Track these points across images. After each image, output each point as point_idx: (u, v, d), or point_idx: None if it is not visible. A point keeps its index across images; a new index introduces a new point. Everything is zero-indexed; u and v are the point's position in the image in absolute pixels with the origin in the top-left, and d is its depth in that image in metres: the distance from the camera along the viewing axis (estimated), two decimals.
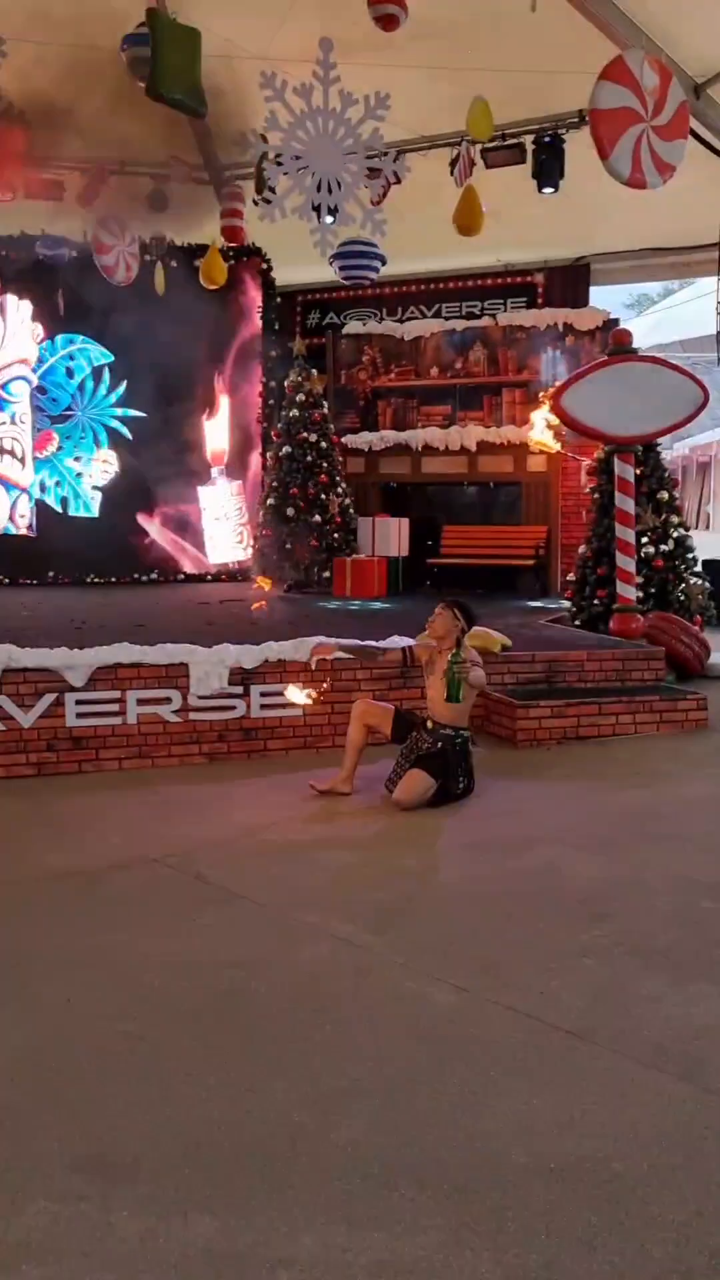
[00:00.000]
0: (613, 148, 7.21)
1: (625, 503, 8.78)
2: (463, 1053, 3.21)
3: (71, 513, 13.78)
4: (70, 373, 13.76)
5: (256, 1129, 2.83)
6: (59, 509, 13.75)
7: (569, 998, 3.57)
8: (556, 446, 11.36)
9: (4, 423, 13.50)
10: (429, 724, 6.01)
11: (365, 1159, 2.69)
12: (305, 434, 13.02)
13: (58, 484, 13.80)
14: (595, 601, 9.37)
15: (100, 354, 13.76)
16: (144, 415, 13.84)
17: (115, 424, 13.86)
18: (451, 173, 10.55)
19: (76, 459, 13.82)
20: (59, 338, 13.62)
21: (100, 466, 13.89)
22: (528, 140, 11.40)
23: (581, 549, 9.88)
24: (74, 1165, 2.69)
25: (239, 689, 7.05)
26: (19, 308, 13.17)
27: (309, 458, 12.98)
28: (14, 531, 13.54)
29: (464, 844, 5.29)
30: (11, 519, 13.53)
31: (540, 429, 11.08)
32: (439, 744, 5.91)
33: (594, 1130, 2.81)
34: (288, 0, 10.11)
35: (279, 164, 6.92)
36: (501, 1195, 2.55)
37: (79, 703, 6.75)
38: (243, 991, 3.65)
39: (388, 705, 6.26)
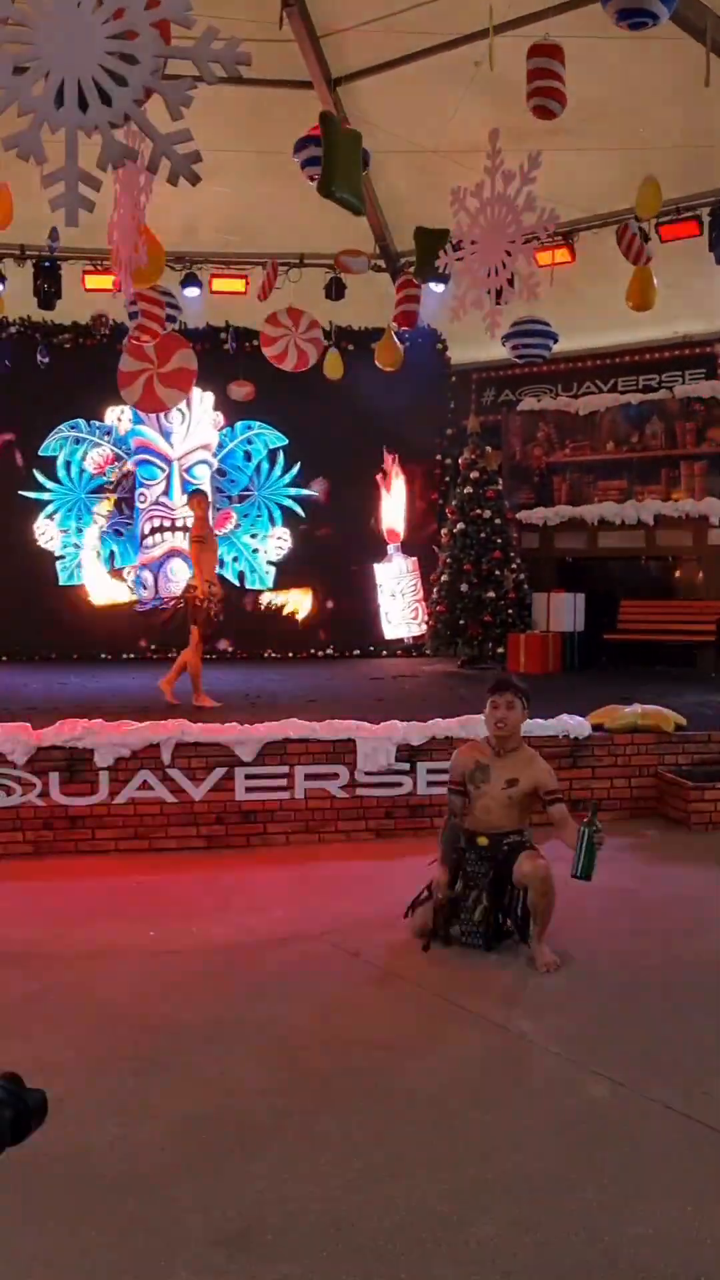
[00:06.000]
0: None
1: None
2: (613, 1151, 3.10)
3: (248, 586, 14.28)
4: (248, 456, 14.34)
5: (399, 1215, 2.80)
6: (236, 583, 14.24)
7: None
8: None
9: (185, 503, 14.10)
10: (480, 839, 4.89)
11: (505, 1256, 2.63)
12: (479, 510, 13.09)
13: (235, 559, 14.31)
14: None
15: (275, 437, 14.29)
16: (316, 494, 14.27)
17: (289, 503, 14.32)
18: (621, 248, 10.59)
19: (253, 535, 14.34)
20: (238, 424, 14.23)
21: (275, 543, 14.37)
22: (703, 212, 11.34)
23: None
24: (217, 1239, 2.72)
25: (406, 765, 7.07)
26: (202, 399, 13.83)
27: (483, 534, 13.03)
28: None
29: (630, 930, 5.13)
30: None
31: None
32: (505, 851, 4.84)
33: None
34: (457, 95, 10.40)
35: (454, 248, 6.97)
36: None
37: (248, 777, 6.91)
38: (393, 1073, 3.63)
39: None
